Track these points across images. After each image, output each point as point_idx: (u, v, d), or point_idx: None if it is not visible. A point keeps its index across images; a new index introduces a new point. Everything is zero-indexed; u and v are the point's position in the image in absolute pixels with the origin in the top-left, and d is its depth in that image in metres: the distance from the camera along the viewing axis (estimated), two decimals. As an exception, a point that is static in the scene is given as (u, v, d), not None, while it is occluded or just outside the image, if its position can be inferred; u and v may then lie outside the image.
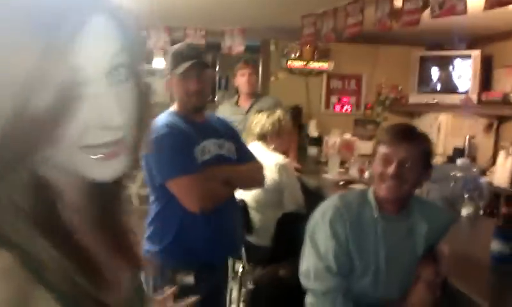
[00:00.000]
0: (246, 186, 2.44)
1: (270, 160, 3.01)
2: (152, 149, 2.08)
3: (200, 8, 4.64)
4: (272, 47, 5.82)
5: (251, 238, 3.02)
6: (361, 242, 1.75)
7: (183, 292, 2.09)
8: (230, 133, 2.33)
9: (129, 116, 0.62)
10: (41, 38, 0.53)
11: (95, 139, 0.59)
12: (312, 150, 5.18)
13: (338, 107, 5.98)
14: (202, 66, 2.16)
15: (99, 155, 0.60)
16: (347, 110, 5.97)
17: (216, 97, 7.71)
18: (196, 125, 2.19)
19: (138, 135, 0.66)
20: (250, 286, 1.82)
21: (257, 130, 3.17)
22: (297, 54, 5.71)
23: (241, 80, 3.98)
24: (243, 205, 2.96)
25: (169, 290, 1.23)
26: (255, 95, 4.04)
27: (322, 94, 5.94)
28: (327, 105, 5.97)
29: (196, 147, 2.12)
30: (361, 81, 5.93)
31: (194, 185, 2.03)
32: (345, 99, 5.97)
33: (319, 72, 5.84)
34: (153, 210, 2.17)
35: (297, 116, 5.45)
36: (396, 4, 3.36)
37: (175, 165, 2.06)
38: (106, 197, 0.70)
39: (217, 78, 7.29)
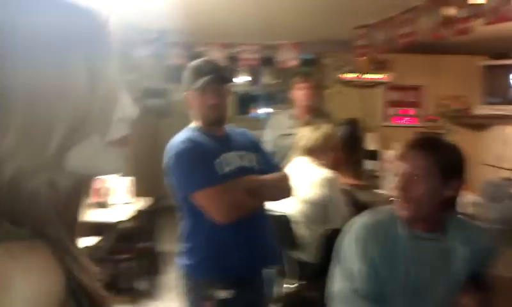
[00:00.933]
0: (272, 196, 2.34)
1: (316, 175, 2.97)
2: (175, 165, 2.12)
3: (254, 24, 4.70)
4: (326, 60, 5.77)
5: (298, 255, 2.98)
6: (392, 262, 1.63)
7: (219, 306, 2.12)
8: (252, 145, 2.30)
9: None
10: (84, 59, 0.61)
11: (119, 133, 0.68)
12: (369, 164, 5.06)
13: (397, 120, 5.81)
14: (220, 81, 2.17)
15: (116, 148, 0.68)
16: (407, 122, 5.78)
17: (273, 110, 7.76)
18: (216, 138, 2.19)
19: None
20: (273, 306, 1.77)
21: (303, 144, 3.13)
22: (352, 66, 5.62)
23: (300, 93, 3.93)
24: (285, 220, 2.93)
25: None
26: (313, 110, 3.98)
27: (380, 106, 5.79)
28: (385, 118, 5.82)
29: (217, 160, 2.11)
30: (422, 92, 5.73)
31: (218, 196, 2.03)
32: (405, 111, 5.79)
33: (376, 84, 5.71)
34: (184, 225, 2.20)
35: (354, 129, 5.35)
36: (449, 13, 3.24)
37: (196, 178, 2.06)
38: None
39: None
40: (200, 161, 2.07)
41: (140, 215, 4.25)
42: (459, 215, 1.78)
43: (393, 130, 5.59)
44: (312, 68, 6.31)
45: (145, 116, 7.19)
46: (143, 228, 4.32)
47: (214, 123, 2.18)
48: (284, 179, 2.29)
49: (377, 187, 4.03)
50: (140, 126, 5.72)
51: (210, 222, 2.05)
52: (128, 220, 4.18)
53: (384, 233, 1.67)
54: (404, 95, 5.78)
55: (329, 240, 2.55)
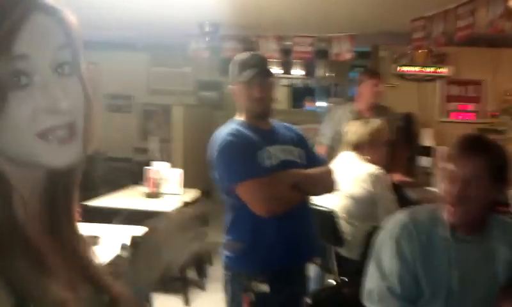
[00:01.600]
0: (316, 191, 2.34)
1: (363, 171, 2.92)
2: (218, 158, 2.15)
3: (308, 16, 4.67)
4: (382, 53, 5.64)
5: (341, 251, 2.96)
6: (431, 263, 1.60)
7: (259, 300, 2.14)
8: (297, 139, 2.30)
9: (75, 105, 0.68)
10: None
11: (45, 123, 0.64)
12: (423, 161, 4.90)
13: (456, 115, 5.59)
14: (266, 74, 2.18)
15: (53, 140, 0.65)
16: (468, 118, 5.55)
17: (329, 103, 7.67)
18: (261, 131, 2.20)
19: (85, 127, 0.70)
20: (308, 301, 1.77)
21: (352, 139, 3.09)
22: (409, 59, 5.46)
23: (371, 90, 3.82)
24: (331, 215, 2.91)
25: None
26: (377, 106, 3.90)
27: (438, 101, 5.59)
28: (444, 113, 5.61)
29: (261, 153, 2.12)
30: (482, 87, 5.48)
31: (260, 188, 2.04)
32: (464, 106, 5.56)
33: (434, 78, 5.52)
34: (228, 217, 2.23)
35: (409, 124, 5.20)
36: (510, 5, 3.07)
37: (240, 171, 2.08)
38: (57, 190, 0.74)
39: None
40: (243, 153, 2.09)
41: (191, 206, 4.34)
42: (501, 216, 1.72)
43: (452, 126, 5.39)
44: (367, 61, 6.19)
45: (199, 108, 7.33)
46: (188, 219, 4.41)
47: (258, 116, 2.20)
48: (328, 173, 2.28)
49: (429, 185, 3.91)
50: (194, 118, 5.86)
51: (252, 214, 2.06)
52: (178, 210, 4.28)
53: (425, 232, 1.63)
54: (463, 90, 5.55)
55: (372, 238, 2.51)
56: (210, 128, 7.36)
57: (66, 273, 0.70)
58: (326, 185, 2.29)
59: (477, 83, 5.48)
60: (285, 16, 4.68)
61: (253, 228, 2.12)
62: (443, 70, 5.42)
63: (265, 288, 2.09)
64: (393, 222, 1.70)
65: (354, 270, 2.72)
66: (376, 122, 3.12)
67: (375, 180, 2.89)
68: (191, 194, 4.67)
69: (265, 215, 2.05)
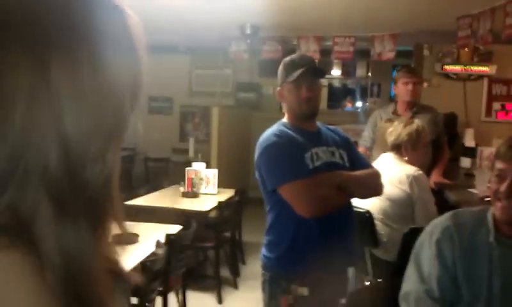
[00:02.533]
0: (361, 193, 2.29)
1: (401, 172, 2.86)
2: (262, 158, 2.15)
3: (349, 16, 4.62)
4: (425, 52, 5.51)
5: (377, 252, 2.90)
6: (472, 267, 1.55)
7: (297, 303, 2.12)
8: (342, 142, 2.27)
9: None
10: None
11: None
12: (465, 162, 4.75)
13: (502, 115, 5.40)
14: (314, 74, 2.16)
15: None
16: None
17: (368, 103, 7.56)
18: (307, 133, 2.18)
19: None
20: (343, 302, 1.74)
21: (391, 139, 3.03)
22: (454, 58, 5.31)
23: (404, 88, 3.70)
24: (368, 217, 2.86)
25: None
26: (415, 105, 3.82)
27: (482, 100, 5.42)
28: (488, 113, 5.43)
29: (306, 154, 2.10)
30: (530, 86, 5.28)
31: (304, 189, 2.01)
32: (510, 106, 5.36)
33: (479, 77, 5.35)
34: (269, 218, 2.21)
35: (451, 124, 5.06)
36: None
37: (284, 171, 2.06)
38: None
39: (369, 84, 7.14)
40: (289, 154, 2.08)
41: (225, 206, 4.38)
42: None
43: (495, 126, 5.21)
44: (410, 60, 6.06)
45: (237, 110, 7.38)
46: (227, 218, 4.45)
47: (305, 116, 2.18)
48: (374, 176, 2.24)
49: (471, 187, 3.77)
50: (231, 119, 5.92)
51: (294, 216, 2.04)
52: (214, 210, 4.33)
53: (467, 236, 1.59)
54: (510, 89, 5.35)
55: (409, 240, 2.46)
56: (247, 129, 7.44)
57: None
58: (372, 187, 2.25)
59: (524, 82, 5.28)
60: (326, 16, 4.65)
61: (294, 229, 2.09)
62: (488, 69, 5.24)
63: (304, 291, 2.07)
64: (435, 224, 1.66)
65: (390, 272, 2.67)
66: (415, 123, 3.05)
67: (413, 181, 2.82)
68: (226, 194, 4.71)
69: (309, 216, 2.02)
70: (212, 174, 4.77)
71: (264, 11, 4.41)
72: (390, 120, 3.05)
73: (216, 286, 4.17)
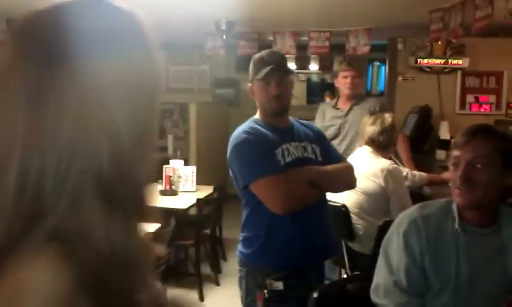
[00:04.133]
0: (334, 187, 2.32)
1: (376, 166, 2.90)
2: (233, 155, 2.17)
3: (324, 11, 4.64)
4: (399, 45, 5.56)
5: (354, 246, 2.95)
6: (439, 257, 1.59)
7: (273, 297, 2.14)
8: (315, 136, 2.30)
9: None
10: None
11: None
12: (440, 154, 4.83)
13: (475, 107, 5.50)
14: (282, 71, 2.18)
15: None
16: (486, 110, 5.46)
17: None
18: (278, 129, 2.20)
19: None
20: (315, 295, 1.77)
21: (366, 133, 3.07)
22: (428, 51, 5.38)
23: (343, 81, 3.80)
24: (344, 211, 2.90)
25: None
26: (356, 97, 3.89)
27: (456, 93, 5.51)
28: (462, 105, 5.52)
29: (277, 150, 2.12)
30: (503, 78, 5.37)
31: (276, 186, 2.03)
32: (483, 98, 5.46)
33: (452, 70, 5.43)
34: (244, 214, 2.24)
35: (426, 117, 5.13)
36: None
37: (255, 168, 2.08)
38: None
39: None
40: (259, 151, 2.10)
41: (204, 203, 4.38)
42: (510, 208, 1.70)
43: (469, 118, 5.29)
44: (384, 54, 6.12)
45: (215, 106, 7.37)
46: (207, 215, 4.45)
47: (276, 113, 2.20)
48: (346, 170, 2.27)
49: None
50: (209, 115, 5.90)
51: (268, 212, 2.06)
52: (193, 207, 4.33)
53: (434, 227, 1.63)
54: (482, 81, 5.45)
55: (384, 232, 2.49)
56: (225, 125, 7.43)
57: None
58: (345, 181, 2.28)
59: (496, 74, 5.37)
60: (301, 11, 4.66)
61: (268, 224, 2.12)
62: (462, 62, 5.32)
63: (279, 285, 2.09)
64: (402, 217, 1.70)
65: (366, 265, 2.72)
66: (389, 117, 3.09)
67: (387, 175, 2.87)
68: (205, 191, 4.71)
69: (281, 213, 2.05)
70: (191, 171, 4.77)
71: (239, 6, 4.40)
72: (372, 114, 3.10)
73: (197, 283, 4.18)
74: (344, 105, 3.83)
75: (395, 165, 2.94)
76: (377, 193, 2.87)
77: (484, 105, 5.47)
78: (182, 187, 4.69)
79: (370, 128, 3.05)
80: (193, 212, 4.42)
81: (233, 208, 4.79)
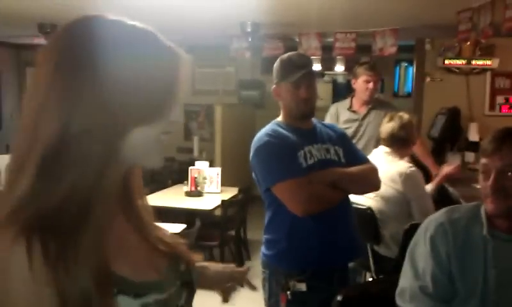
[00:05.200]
0: (356, 189, 2.30)
1: (393, 170, 2.82)
2: (255, 158, 2.17)
3: (350, 11, 4.62)
4: (427, 46, 5.49)
5: (379, 249, 2.91)
6: (467, 262, 1.56)
7: (296, 298, 2.14)
8: (338, 138, 2.28)
9: None
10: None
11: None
12: (469, 156, 4.74)
13: (505, 108, 5.38)
14: (312, 75, 2.18)
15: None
16: (516, 111, 5.34)
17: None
18: (301, 131, 2.18)
19: None
20: (339, 298, 1.75)
21: (385, 131, 2.99)
22: (456, 52, 5.29)
23: (364, 85, 3.70)
24: (370, 213, 2.87)
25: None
26: (372, 101, 3.79)
27: (485, 94, 5.40)
28: (492, 107, 5.41)
29: (299, 152, 2.11)
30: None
31: (297, 188, 2.02)
32: (514, 99, 5.34)
33: (482, 70, 5.33)
34: (267, 216, 2.24)
35: (454, 118, 5.05)
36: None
37: (277, 170, 2.08)
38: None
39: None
40: (281, 153, 2.09)
41: (229, 204, 4.40)
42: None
43: (498, 120, 5.18)
44: (411, 55, 6.05)
45: (241, 107, 7.39)
46: (231, 216, 4.47)
47: (304, 116, 2.19)
48: (370, 171, 2.24)
49: (475, 181, 3.77)
50: (235, 117, 5.92)
51: (290, 213, 2.06)
52: (218, 208, 4.35)
53: (461, 231, 1.60)
54: (513, 82, 5.34)
55: (410, 236, 2.46)
56: (251, 127, 7.47)
57: (146, 250, 0.85)
58: (369, 183, 2.25)
59: (527, 75, 5.26)
60: (327, 12, 4.64)
61: (290, 226, 2.11)
62: (491, 62, 5.22)
63: (302, 287, 2.09)
64: (430, 221, 1.67)
65: (391, 268, 2.68)
66: (408, 117, 3.00)
67: (405, 179, 2.79)
68: (230, 193, 4.74)
69: (302, 215, 2.04)
70: (216, 172, 4.80)
71: (264, 8, 4.41)
72: (391, 116, 3.04)
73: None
74: (360, 108, 3.76)
75: (413, 169, 2.87)
76: (395, 198, 2.80)
77: (515, 106, 5.36)
78: (207, 189, 4.72)
79: (388, 124, 2.97)
80: (218, 213, 4.44)
81: (257, 210, 4.79)
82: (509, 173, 1.49)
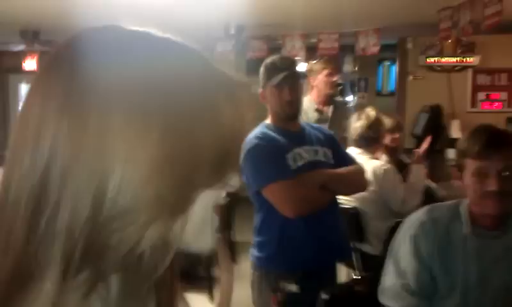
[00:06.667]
0: (346, 190, 2.35)
1: (367, 169, 2.81)
2: (245, 161, 2.18)
3: (332, 11, 4.65)
4: (409, 45, 5.56)
5: (364, 247, 2.93)
6: (448, 260, 1.59)
7: (287, 299, 2.16)
8: (326, 139, 2.31)
9: None
10: None
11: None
12: (451, 153, 4.80)
13: (486, 105, 5.46)
14: (296, 77, 2.20)
15: None
16: (497, 107, 5.42)
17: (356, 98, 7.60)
18: (289, 133, 2.21)
19: None
20: (324, 296, 1.78)
21: (354, 131, 2.92)
22: (438, 50, 5.37)
23: (327, 80, 3.56)
24: (355, 212, 2.88)
25: None
26: (331, 97, 3.64)
27: (467, 91, 5.48)
28: (473, 103, 5.49)
29: (288, 154, 2.13)
30: (513, 75, 5.34)
31: (287, 190, 2.05)
32: (495, 95, 5.42)
33: (463, 68, 5.41)
34: (257, 219, 2.25)
35: (437, 116, 5.12)
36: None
37: (267, 173, 2.09)
38: None
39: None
40: (271, 156, 2.11)
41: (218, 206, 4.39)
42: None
43: (482, 116, 5.26)
44: (394, 54, 6.11)
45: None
46: (219, 218, 4.45)
47: (288, 118, 2.21)
48: (358, 172, 2.28)
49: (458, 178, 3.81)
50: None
51: (280, 215, 2.08)
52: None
53: (443, 229, 1.62)
54: (494, 79, 5.42)
55: (394, 233, 2.48)
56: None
57: None
58: (356, 183, 2.29)
59: (507, 71, 5.34)
60: (310, 13, 4.67)
61: (281, 228, 2.13)
62: (472, 60, 5.30)
63: (293, 288, 2.10)
64: (411, 220, 1.70)
65: (375, 266, 2.70)
66: (371, 114, 2.95)
67: (380, 177, 2.79)
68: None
69: (293, 217, 2.06)
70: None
71: (248, 10, 4.43)
72: (358, 115, 2.99)
73: (208, 285, 4.19)
74: (324, 106, 3.65)
75: (385, 166, 2.85)
76: (372, 198, 2.80)
77: (496, 103, 5.44)
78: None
79: (357, 124, 2.93)
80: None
81: (245, 212, 4.81)
82: (507, 173, 1.51)
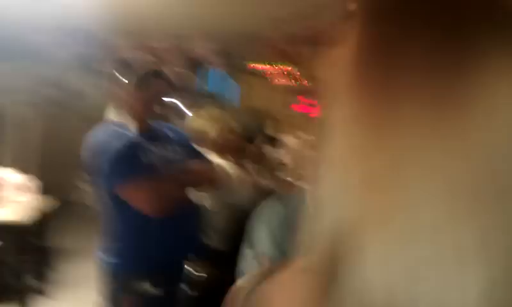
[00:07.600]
0: (199, 186, 2.40)
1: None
2: (96, 159, 2.10)
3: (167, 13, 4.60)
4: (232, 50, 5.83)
5: (211, 242, 3.00)
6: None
7: (140, 300, 2.12)
8: (178, 138, 2.35)
9: None
10: None
11: None
12: (270, 150, 5.15)
13: (298, 108, 6.03)
14: (152, 76, 2.21)
15: None
16: (307, 110, 6.01)
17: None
18: (142, 132, 2.20)
19: None
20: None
21: (196, 131, 3.04)
22: (260, 56, 5.73)
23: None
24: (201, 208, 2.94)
25: None
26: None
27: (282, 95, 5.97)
28: (285, 106, 6.00)
29: (142, 152, 2.13)
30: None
31: (140, 188, 2.05)
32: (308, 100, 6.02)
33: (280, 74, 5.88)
34: (104, 221, 2.20)
35: (253, 117, 5.44)
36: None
37: (119, 171, 2.06)
38: None
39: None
40: (123, 154, 2.07)
41: (38, 213, 4.13)
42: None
43: (294, 118, 5.75)
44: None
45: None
46: (36, 226, 4.16)
47: (143, 118, 2.20)
48: (209, 168, 2.36)
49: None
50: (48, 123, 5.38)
51: (131, 215, 2.07)
52: (26, 218, 4.03)
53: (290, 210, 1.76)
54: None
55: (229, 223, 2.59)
56: (65, 132, 6.84)
57: None
58: (208, 179, 2.36)
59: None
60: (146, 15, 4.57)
61: (130, 228, 2.13)
62: (288, 67, 5.79)
63: (146, 287, 2.09)
64: (266, 210, 1.81)
65: (220, 259, 2.81)
66: (217, 112, 3.02)
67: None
68: (47, 202, 4.42)
69: (150, 214, 2.06)
70: (27, 179, 4.40)
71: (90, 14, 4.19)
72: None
73: (19, 295, 3.86)
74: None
75: (224, 162, 2.97)
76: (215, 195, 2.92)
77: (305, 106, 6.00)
78: (14, 197, 4.28)
79: (200, 124, 2.88)
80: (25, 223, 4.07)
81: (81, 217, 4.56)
82: None
